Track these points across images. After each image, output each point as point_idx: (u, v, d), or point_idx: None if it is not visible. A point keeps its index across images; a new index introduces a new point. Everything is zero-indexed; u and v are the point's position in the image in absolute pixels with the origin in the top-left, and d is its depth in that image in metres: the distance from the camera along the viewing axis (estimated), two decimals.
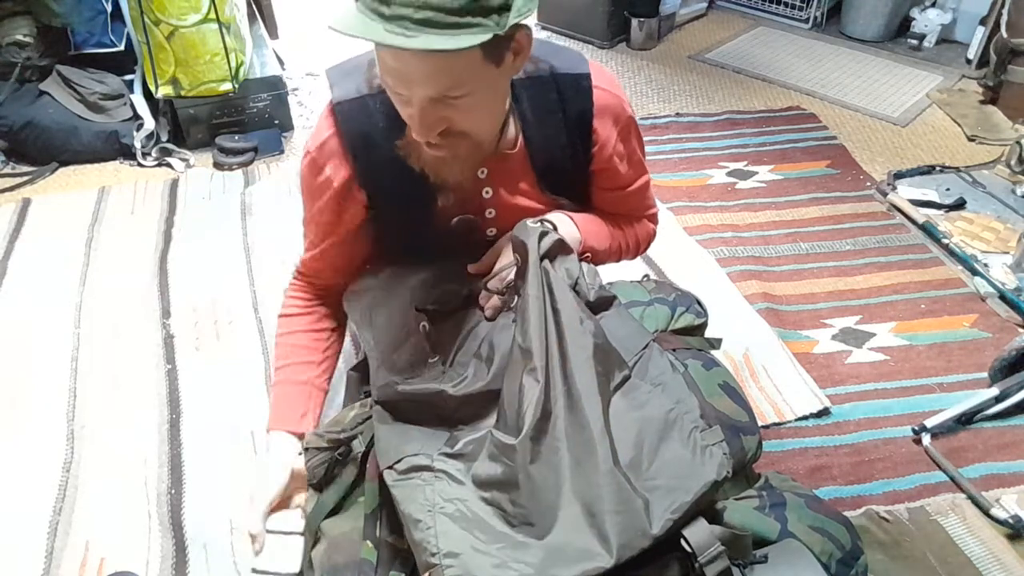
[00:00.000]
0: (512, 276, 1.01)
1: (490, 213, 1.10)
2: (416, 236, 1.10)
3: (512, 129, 1.03)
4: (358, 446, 1.04)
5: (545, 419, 0.84)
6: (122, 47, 2.49)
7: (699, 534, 0.83)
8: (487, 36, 0.79)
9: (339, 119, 1.00)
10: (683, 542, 0.83)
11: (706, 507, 0.86)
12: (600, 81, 1.05)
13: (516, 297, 0.97)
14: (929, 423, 1.53)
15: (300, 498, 1.07)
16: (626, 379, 0.93)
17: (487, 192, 1.08)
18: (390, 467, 0.89)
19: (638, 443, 0.87)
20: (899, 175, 2.34)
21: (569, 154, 1.07)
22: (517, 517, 0.82)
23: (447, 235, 1.10)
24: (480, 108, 0.91)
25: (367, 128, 0.99)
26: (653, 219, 1.29)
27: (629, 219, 1.24)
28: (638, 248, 1.27)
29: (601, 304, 1.03)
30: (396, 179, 1.01)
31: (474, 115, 0.91)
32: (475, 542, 0.81)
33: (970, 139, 2.57)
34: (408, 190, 1.03)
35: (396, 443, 0.91)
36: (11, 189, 2.34)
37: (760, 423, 1.51)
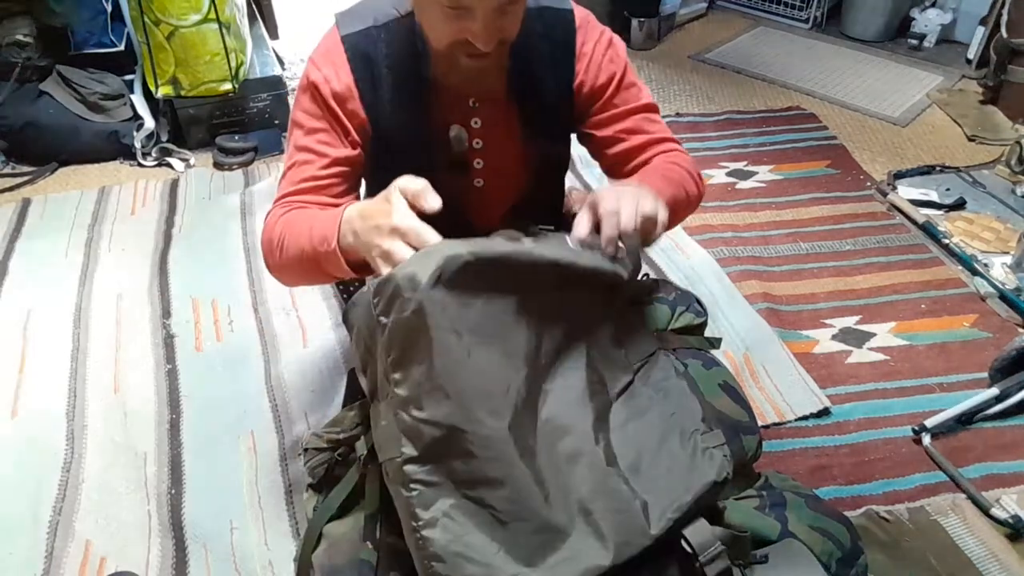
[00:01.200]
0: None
1: (477, 144, 1.13)
2: (411, 159, 1.09)
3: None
4: (361, 448, 1.03)
5: (532, 412, 0.82)
6: (122, 47, 2.49)
7: (700, 534, 0.83)
8: None
9: (345, 44, 1.05)
10: (683, 542, 0.82)
11: (707, 508, 0.86)
12: (582, 14, 1.12)
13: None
14: (929, 423, 1.53)
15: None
16: (629, 384, 0.92)
17: (476, 122, 1.11)
18: (389, 460, 0.84)
19: (638, 449, 0.86)
20: (899, 175, 2.34)
21: (552, 84, 1.11)
22: (508, 514, 0.78)
23: (441, 153, 1.12)
24: (520, 11, 0.98)
25: (370, 52, 1.05)
26: (680, 148, 1.19)
27: (659, 159, 1.16)
28: (693, 178, 1.13)
29: (640, 293, 1.01)
30: (397, 100, 1.06)
31: (516, 19, 0.98)
32: (472, 559, 0.77)
33: (970, 139, 2.57)
34: (407, 110, 1.07)
35: (375, 436, 0.85)
36: (11, 189, 2.34)
37: (760, 423, 1.51)
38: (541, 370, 0.85)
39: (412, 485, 0.78)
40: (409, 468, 0.78)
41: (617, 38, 1.15)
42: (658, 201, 0.91)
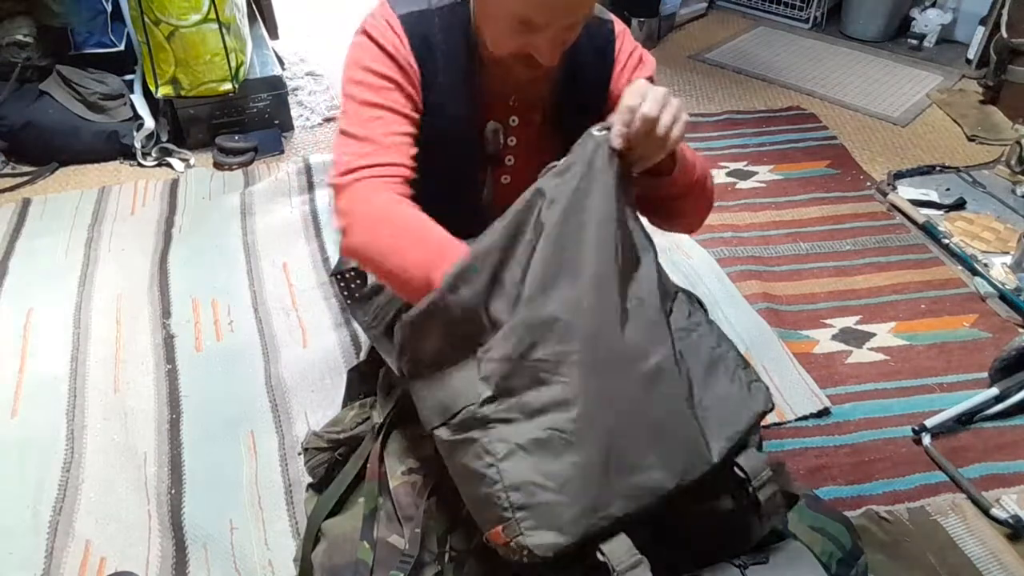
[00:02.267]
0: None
1: (512, 141, 1.13)
2: (448, 150, 1.08)
3: None
4: (377, 416, 1.03)
5: (610, 331, 0.83)
6: (122, 47, 2.49)
7: (751, 461, 0.87)
8: None
9: (403, 22, 1.02)
10: (737, 469, 0.86)
11: (749, 439, 0.89)
12: (621, 27, 1.13)
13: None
14: (929, 423, 1.53)
15: None
16: (670, 311, 0.93)
17: (514, 120, 1.12)
18: (444, 424, 0.86)
19: (687, 376, 0.88)
20: (899, 175, 2.34)
21: (590, 89, 1.11)
22: (577, 434, 0.80)
23: (476, 147, 1.11)
24: (581, 26, 0.98)
25: (428, 35, 1.03)
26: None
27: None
28: (708, 174, 1.13)
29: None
30: (446, 88, 1.05)
31: (577, 33, 0.98)
32: (545, 484, 0.79)
33: (970, 139, 2.57)
34: (454, 101, 1.06)
35: (439, 398, 0.87)
36: (11, 189, 2.34)
37: (760, 423, 1.52)
38: (616, 288, 0.86)
39: (490, 424, 0.82)
40: (487, 408, 0.82)
41: (648, 54, 1.16)
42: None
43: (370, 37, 1.03)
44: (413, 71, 1.03)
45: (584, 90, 1.11)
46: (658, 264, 0.92)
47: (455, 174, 1.13)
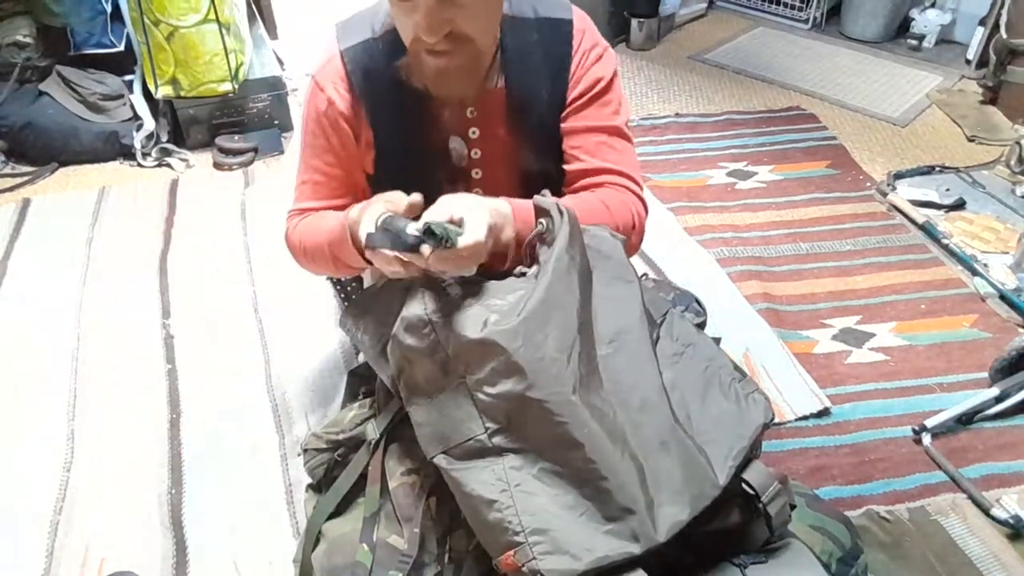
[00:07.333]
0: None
1: (476, 153, 1.13)
2: (413, 170, 1.10)
3: (497, 67, 1.08)
4: (372, 432, 1.03)
5: (592, 373, 0.83)
6: (122, 47, 2.49)
7: (758, 475, 0.86)
8: None
9: (345, 58, 1.06)
10: (745, 485, 0.85)
11: (753, 452, 0.89)
12: (581, 24, 1.11)
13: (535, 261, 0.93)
14: (929, 423, 1.53)
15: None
16: (657, 339, 0.94)
17: (474, 132, 1.11)
18: (444, 452, 0.86)
19: (682, 402, 0.88)
20: (899, 175, 2.34)
21: (546, 96, 1.10)
22: (589, 472, 0.80)
23: (442, 165, 1.13)
24: (481, 10, 0.95)
25: (370, 65, 1.06)
26: (639, 196, 1.14)
27: (613, 197, 1.13)
28: (628, 222, 1.11)
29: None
30: (397, 111, 1.08)
31: (475, 17, 0.95)
32: (559, 513, 0.80)
33: (970, 139, 2.57)
34: (407, 121, 1.09)
35: (437, 427, 0.87)
36: (11, 189, 2.34)
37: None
38: (594, 335, 0.87)
39: (503, 453, 0.83)
40: (498, 439, 0.83)
41: (611, 51, 1.14)
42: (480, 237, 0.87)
43: (315, 94, 1.09)
44: (354, 121, 1.08)
45: (541, 95, 1.10)
46: (643, 293, 0.92)
47: (427, 193, 1.12)
